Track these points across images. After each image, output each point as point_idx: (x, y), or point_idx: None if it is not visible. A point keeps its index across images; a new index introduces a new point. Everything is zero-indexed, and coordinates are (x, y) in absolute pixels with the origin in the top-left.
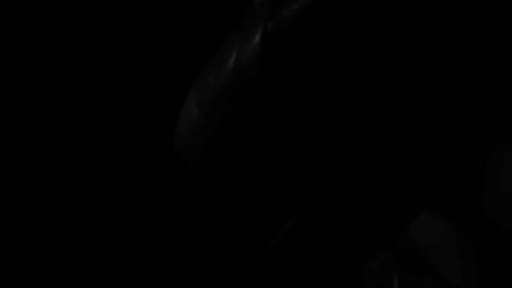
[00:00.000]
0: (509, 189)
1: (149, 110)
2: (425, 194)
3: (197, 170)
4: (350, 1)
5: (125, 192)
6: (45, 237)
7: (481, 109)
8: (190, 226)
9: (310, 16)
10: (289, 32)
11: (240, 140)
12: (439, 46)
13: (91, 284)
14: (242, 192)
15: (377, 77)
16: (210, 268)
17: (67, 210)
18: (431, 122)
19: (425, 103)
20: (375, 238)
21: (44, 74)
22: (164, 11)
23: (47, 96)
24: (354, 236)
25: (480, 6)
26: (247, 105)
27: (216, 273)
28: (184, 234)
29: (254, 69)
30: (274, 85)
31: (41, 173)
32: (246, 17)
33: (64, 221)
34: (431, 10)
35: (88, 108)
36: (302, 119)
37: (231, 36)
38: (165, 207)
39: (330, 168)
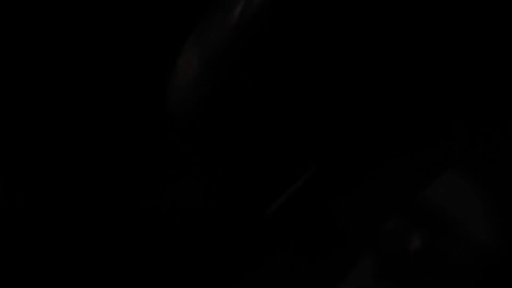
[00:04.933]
0: None
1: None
2: (444, 155)
3: (198, 123)
4: None
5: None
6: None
7: None
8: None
9: None
10: None
11: (246, 91)
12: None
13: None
14: (246, 146)
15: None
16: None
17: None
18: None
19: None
20: (391, 196)
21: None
22: None
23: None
24: (368, 195)
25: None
26: (257, 52)
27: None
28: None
29: (267, 14)
30: (289, 29)
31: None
32: None
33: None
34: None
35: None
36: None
37: None
38: (157, 162)
39: (337, 123)
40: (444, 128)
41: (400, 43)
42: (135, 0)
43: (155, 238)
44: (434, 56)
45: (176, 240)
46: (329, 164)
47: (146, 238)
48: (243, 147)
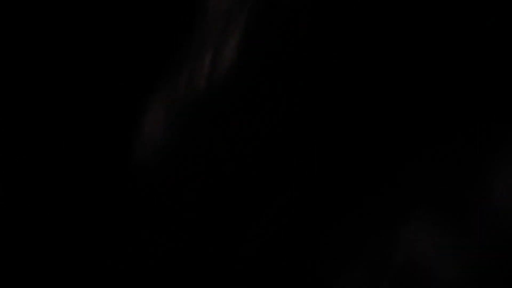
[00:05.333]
0: (506, 193)
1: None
2: (410, 198)
3: (162, 178)
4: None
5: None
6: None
7: (473, 110)
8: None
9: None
10: (270, 31)
11: (215, 150)
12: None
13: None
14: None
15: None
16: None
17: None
18: (421, 122)
19: (417, 101)
20: (356, 246)
21: None
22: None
23: None
24: (330, 244)
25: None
26: (225, 115)
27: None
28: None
29: (234, 71)
30: (258, 87)
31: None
32: (211, 22)
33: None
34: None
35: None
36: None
37: (199, 39)
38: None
39: (307, 176)
40: (410, 169)
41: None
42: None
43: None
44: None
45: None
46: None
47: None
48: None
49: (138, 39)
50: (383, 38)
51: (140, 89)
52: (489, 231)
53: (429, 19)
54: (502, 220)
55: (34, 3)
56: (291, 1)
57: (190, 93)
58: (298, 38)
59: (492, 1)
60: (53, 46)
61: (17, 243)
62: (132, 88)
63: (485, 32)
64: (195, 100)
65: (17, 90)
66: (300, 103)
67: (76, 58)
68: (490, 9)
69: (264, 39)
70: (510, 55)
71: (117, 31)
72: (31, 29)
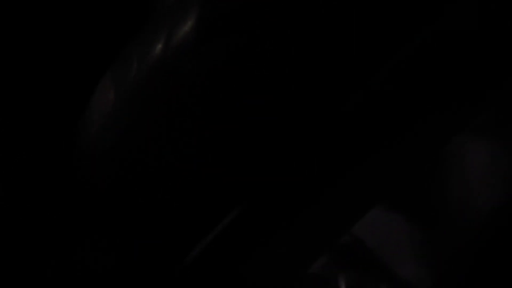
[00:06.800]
0: (462, 182)
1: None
2: (372, 189)
3: (110, 164)
4: None
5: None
6: None
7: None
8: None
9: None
10: (228, 14)
11: (166, 131)
12: None
13: None
14: (160, 189)
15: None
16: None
17: None
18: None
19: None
20: (315, 239)
21: None
22: None
23: None
24: (291, 237)
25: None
26: (177, 92)
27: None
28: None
29: (188, 53)
30: (211, 69)
31: None
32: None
33: None
34: None
35: None
36: (240, 107)
37: (153, 21)
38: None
39: (266, 163)
40: (374, 159)
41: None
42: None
43: None
44: None
45: None
46: (253, 207)
47: None
48: (161, 192)
49: (93, 18)
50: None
51: (92, 69)
52: (449, 230)
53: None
54: (462, 215)
55: None
56: None
57: (142, 73)
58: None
59: None
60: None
61: None
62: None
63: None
64: (147, 80)
65: None
66: (255, 84)
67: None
68: None
69: (219, 20)
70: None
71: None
72: None
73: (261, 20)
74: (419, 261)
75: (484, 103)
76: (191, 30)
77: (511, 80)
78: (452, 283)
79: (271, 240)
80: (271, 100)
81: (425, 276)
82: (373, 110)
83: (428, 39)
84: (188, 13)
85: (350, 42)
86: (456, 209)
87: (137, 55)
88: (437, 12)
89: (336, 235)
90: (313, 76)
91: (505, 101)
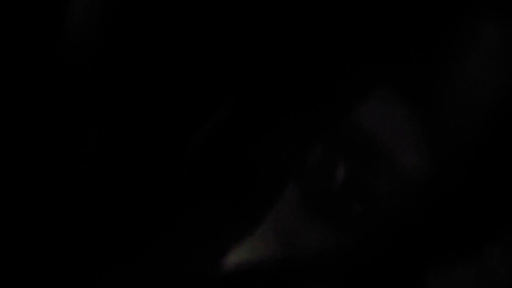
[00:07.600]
0: (468, 70)
1: None
2: (372, 76)
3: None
4: None
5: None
6: None
7: None
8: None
9: None
10: None
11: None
12: None
13: None
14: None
15: None
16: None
17: None
18: None
19: None
20: (314, 126)
21: None
22: None
23: None
24: (290, 124)
25: None
26: None
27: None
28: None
29: None
30: None
31: None
32: None
33: None
34: None
35: None
36: None
37: None
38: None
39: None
40: (372, 47)
41: None
42: None
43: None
44: None
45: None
46: (246, 100)
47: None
48: (151, 81)
49: None
50: None
51: None
52: (452, 118)
53: None
54: (465, 107)
55: None
56: None
57: None
58: None
59: None
60: None
61: None
62: None
63: None
64: None
65: None
66: None
67: None
68: None
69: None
70: None
71: None
72: None
73: None
74: (420, 150)
75: None
76: None
77: None
78: (452, 174)
79: (274, 124)
80: None
81: (426, 166)
82: None
83: None
84: None
85: None
86: (460, 98)
87: None
88: None
89: (337, 118)
90: None
91: None
